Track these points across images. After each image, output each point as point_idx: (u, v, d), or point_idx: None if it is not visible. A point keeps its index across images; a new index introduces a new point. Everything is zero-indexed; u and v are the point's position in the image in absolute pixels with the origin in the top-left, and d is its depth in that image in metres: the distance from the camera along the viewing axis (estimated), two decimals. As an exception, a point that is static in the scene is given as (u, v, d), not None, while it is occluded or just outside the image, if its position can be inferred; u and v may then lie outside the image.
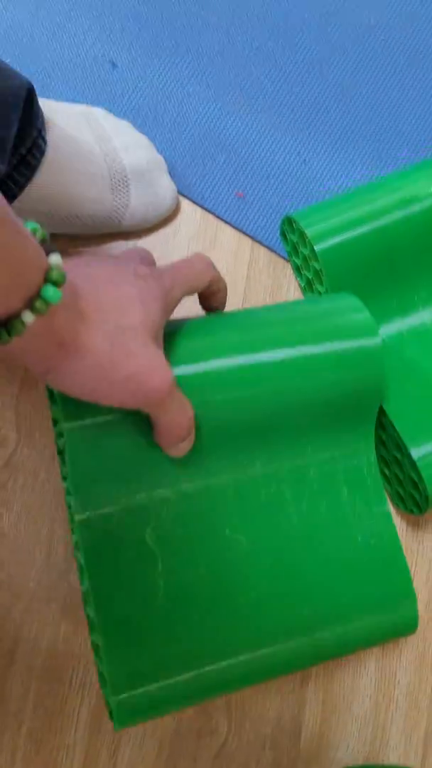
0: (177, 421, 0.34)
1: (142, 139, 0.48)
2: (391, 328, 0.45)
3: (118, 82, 0.50)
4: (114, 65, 0.50)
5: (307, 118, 0.51)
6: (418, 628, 0.49)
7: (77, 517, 0.37)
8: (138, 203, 0.46)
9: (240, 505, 0.38)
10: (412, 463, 0.42)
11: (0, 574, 0.48)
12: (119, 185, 0.45)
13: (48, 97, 0.46)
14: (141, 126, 0.50)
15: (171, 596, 0.37)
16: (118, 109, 0.50)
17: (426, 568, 0.50)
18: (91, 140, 0.44)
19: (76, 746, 0.47)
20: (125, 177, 0.45)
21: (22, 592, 0.48)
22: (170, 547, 0.38)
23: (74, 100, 0.50)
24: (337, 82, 0.52)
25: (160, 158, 0.48)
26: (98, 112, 0.47)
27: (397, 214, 0.44)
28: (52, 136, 0.42)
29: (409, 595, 0.42)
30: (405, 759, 0.49)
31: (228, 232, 0.51)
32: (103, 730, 0.47)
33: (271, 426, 0.38)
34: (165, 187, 0.48)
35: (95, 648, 0.39)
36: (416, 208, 0.44)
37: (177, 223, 0.51)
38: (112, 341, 0.29)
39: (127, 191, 0.45)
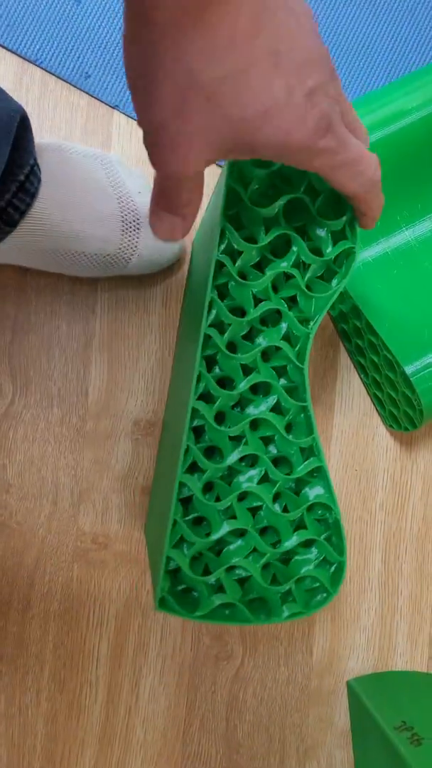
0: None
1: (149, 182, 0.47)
2: (376, 249, 0.46)
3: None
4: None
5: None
6: (417, 538, 0.52)
7: None
8: (146, 246, 0.45)
9: None
10: (406, 380, 0.43)
11: (9, 523, 0.48)
12: (130, 228, 0.44)
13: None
14: (113, 61, 0.49)
15: None
16: (83, 45, 0.49)
17: (420, 483, 0.52)
18: (105, 181, 0.44)
19: (99, 682, 0.49)
20: (137, 220, 0.44)
21: (32, 539, 0.48)
22: None
23: (42, 38, 0.48)
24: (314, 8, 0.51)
25: None
26: (113, 157, 0.46)
27: (379, 134, 0.44)
28: (58, 168, 0.41)
29: None
30: (411, 663, 0.52)
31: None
32: (123, 665, 0.49)
33: None
34: None
35: None
36: (394, 127, 0.44)
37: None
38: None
39: (137, 234, 0.45)
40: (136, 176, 0.46)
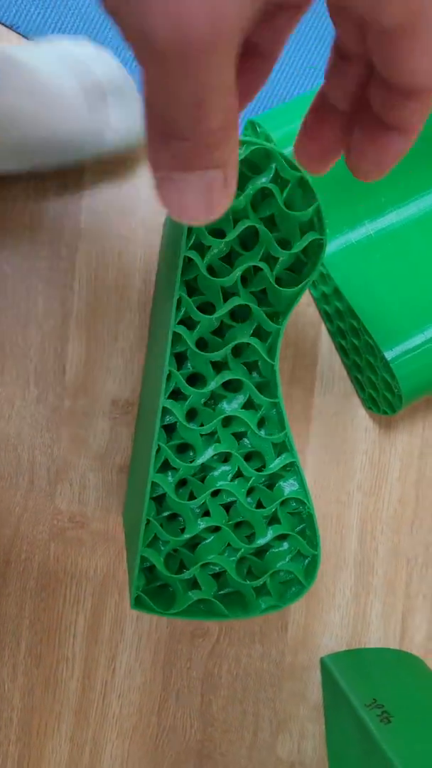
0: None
1: (103, 52, 0.44)
2: (360, 232, 0.45)
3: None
4: None
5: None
6: (393, 519, 0.52)
7: None
8: (118, 115, 0.43)
9: None
10: (386, 365, 0.43)
11: (-15, 502, 0.48)
12: (95, 99, 0.42)
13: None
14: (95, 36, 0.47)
15: None
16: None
17: (398, 465, 0.52)
18: (53, 56, 0.41)
19: (75, 658, 0.49)
20: (100, 88, 0.42)
21: (8, 517, 0.48)
22: None
23: None
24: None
25: (124, 70, 0.44)
26: (53, 37, 0.44)
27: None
28: (6, 61, 0.39)
29: None
30: (384, 641, 0.52)
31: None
32: (99, 641, 0.49)
33: None
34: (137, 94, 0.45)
35: None
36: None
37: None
38: None
39: (104, 104, 0.42)
40: (83, 44, 0.43)
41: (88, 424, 0.49)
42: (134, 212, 0.49)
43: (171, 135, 0.15)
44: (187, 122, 0.15)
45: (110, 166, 0.48)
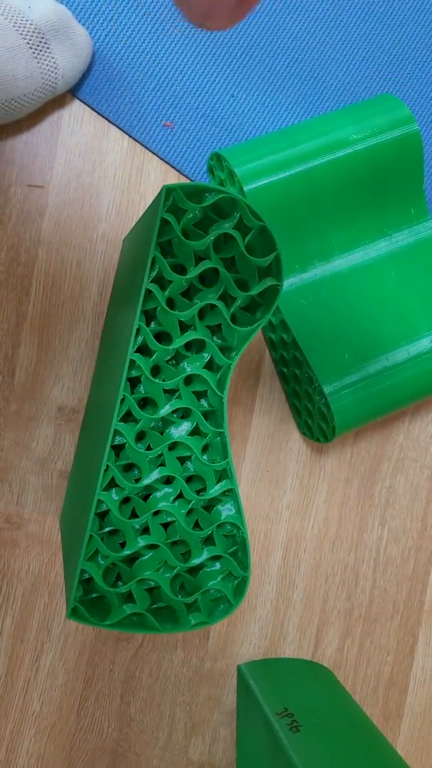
0: None
1: None
2: (310, 272, 0.48)
3: None
4: None
5: (240, 58, 0.51)
6: (317, 538, 0.55)
7: None
8: (64, 60, 0.43)
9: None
10: (323, 397, 0.46)
11: None
12: (40, 49, 0.42)
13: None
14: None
15: None
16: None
17: (325, 488, 0.56)
18: None
19: (0, 654, 0.50)
20: (42, 37, 0.42)
21: None
22: None
23: None
24: (271, 26, 0.51)
25: (63, 7, 0.45)
26: None
27: (323, 159, 0.45)
28: None
29: None
30: (299, 652, 0.56)
31: (155, 162, 0.51)
32: (25, 640, 0.50)
33: None
34: (80, 33, 0.46)
35: None
36: (340, 153, 0.46)
37: (103, 151, 0.50)
38: None
39: (50, 52, 0.42)
40: None
41: (33, 428, 0.50)
42: (96, 226, 0.50)
43: None
44: None
45: (76, 180, 0.49)
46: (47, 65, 0.43)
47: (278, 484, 0.55)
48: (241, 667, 0.54)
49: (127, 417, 0.37)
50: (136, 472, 0.38)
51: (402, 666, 0.57)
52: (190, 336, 0.35)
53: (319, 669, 0.55)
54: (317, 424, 0.50)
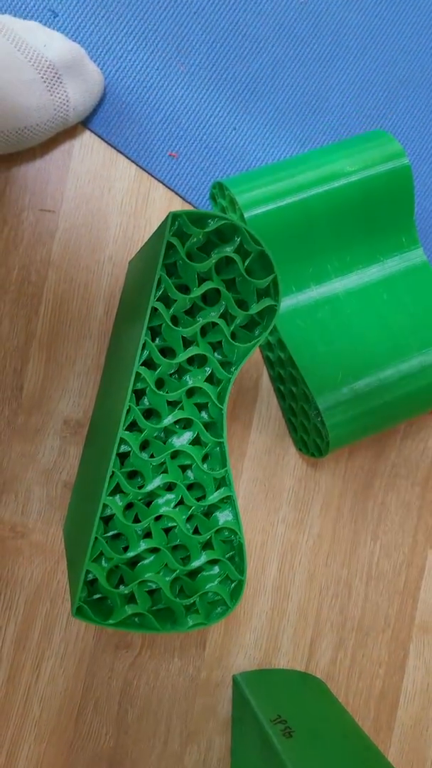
0: None
1: (54, 33, 0.48)
2: (306, 294, 0.51)
3: (60, 29, 0.51)
4: (55, 14, 0.50)
5: (242, 93, 0.54)
6: (311, 551, 0.57)
7: None
8: (76, 95, 0.46)
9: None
10: (319, 413, 0.48)
11: None
12: (53, 83, 0.45)
13: None
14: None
15: None
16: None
17: (319, 503, 0.58)
18: (11, 49, 0.44)
19: (1, 662, 0.52)
20: (56, 73, 0.45)
21: None
22: None
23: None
24: (271, 64, 0.55)
25: (77, 45, 0.48)
26: (4, 19, 0.45)
27: (319, 189, 0.48)
28: None
29: None
30: (292, 663, 0.57)
31: (161, 190, 0.54)
32: (27, 647, 0.52)
33: None
34: (93, 71, 0.49)
35: None
36: (335, 184, 0.49)
37: (111, 179, 0.53)
38: None
39: (63, 87, 0.45)
40: (33, 29, 0.46)
41: (39, 440, 0.52)
42: (103, 249, 0.53)
43: None
44: None
45: (85, 205, 0.52)
46: (60, 98, 0.46)
47: (274, 497, 0.57)
48: (237, 676, 0.55)
49: (132, 427, 0.39)
50: (139, 479, 0.40)
51: (393, 680, 0.59)
52: (193, 351, 0.38)
53: (312, 680, 0.56)
54: (312, 439, 0.52)
